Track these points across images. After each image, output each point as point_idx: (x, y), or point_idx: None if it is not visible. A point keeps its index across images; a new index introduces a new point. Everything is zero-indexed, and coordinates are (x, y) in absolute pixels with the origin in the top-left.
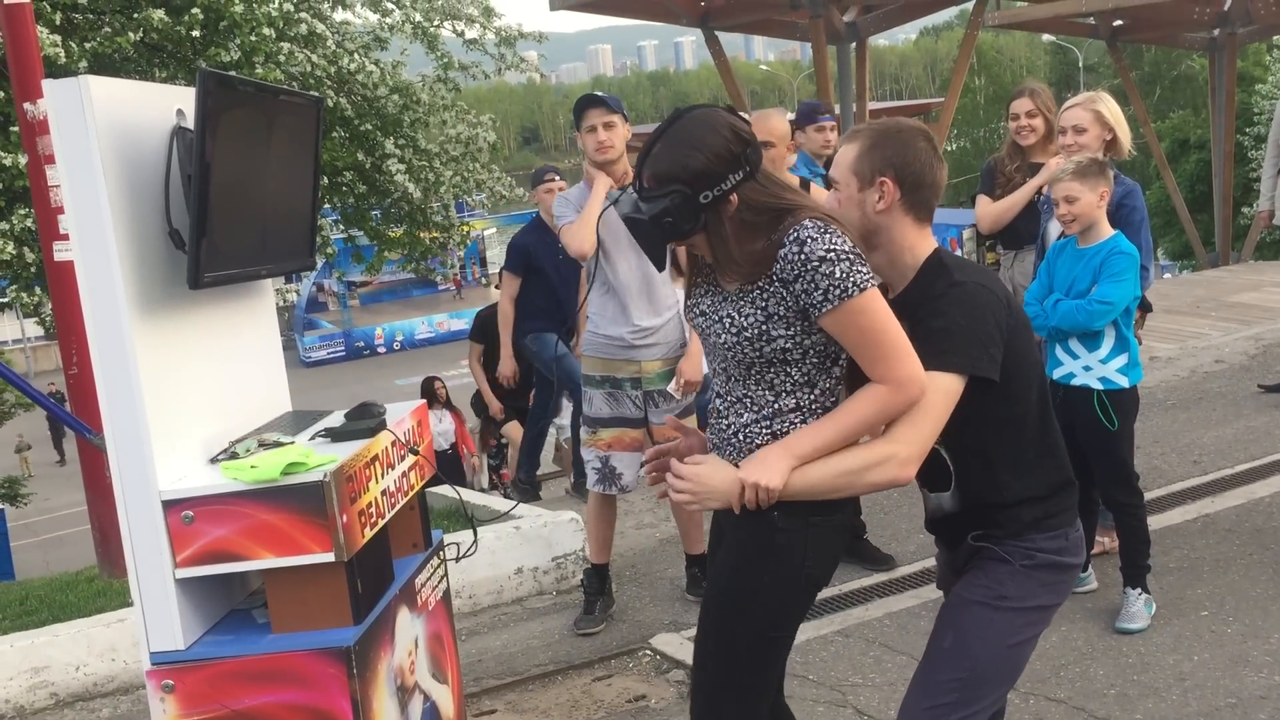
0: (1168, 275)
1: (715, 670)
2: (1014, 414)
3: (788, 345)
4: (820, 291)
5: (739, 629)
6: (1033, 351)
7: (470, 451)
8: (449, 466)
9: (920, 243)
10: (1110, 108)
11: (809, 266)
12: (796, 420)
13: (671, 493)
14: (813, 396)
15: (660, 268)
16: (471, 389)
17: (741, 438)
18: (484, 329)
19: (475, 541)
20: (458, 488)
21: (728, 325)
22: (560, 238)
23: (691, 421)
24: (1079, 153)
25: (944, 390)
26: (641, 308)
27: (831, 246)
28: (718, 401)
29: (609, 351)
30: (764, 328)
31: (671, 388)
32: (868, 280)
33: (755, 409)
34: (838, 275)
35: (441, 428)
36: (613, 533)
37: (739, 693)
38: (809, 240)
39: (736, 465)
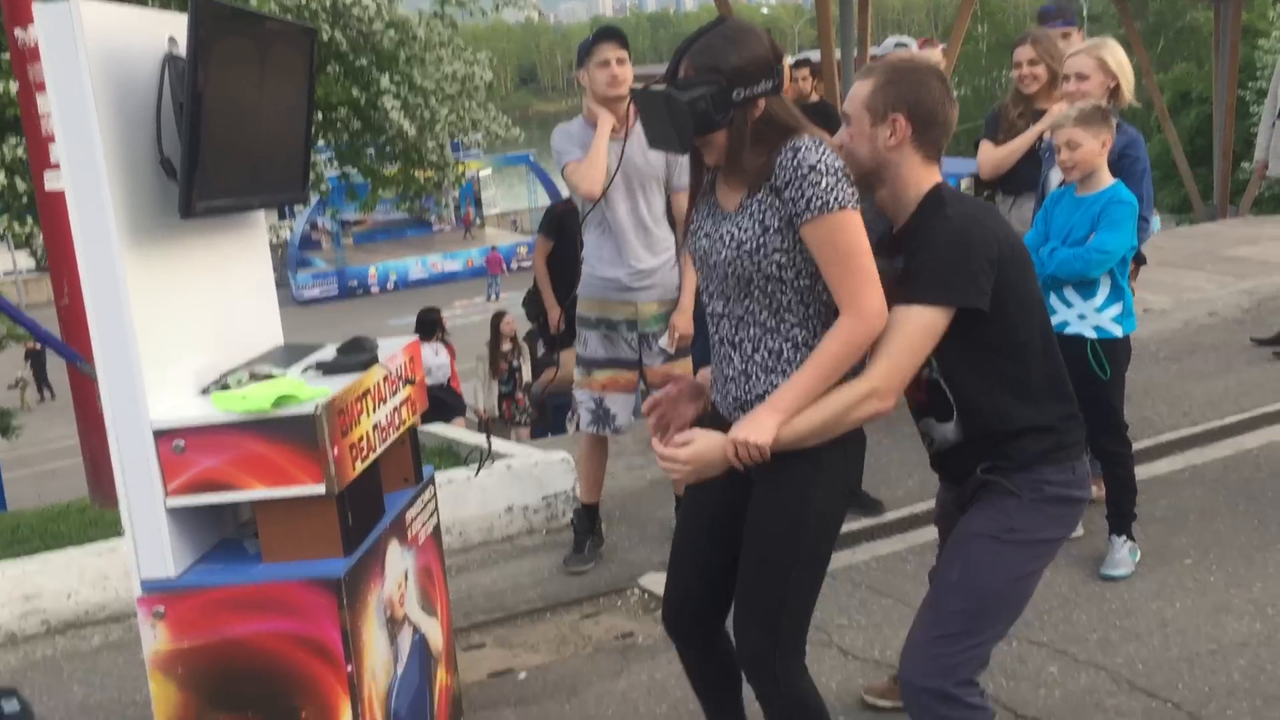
0: (1158, 229)
1: (768, 596)
2: (1012, 344)
3: (782, 260)
4: (804, 200)
5: (798, 549)
6: (1031, 284)
7: (456, 390)
8: (441, 396)
9: (925, 179)
10: (1115, 55)
11: (799, 174)
12: (799, 336)
13: (671, 475)
14: (808, 318)
15: (682, 152)
16: (469, 329)
17: (750, 348)
18: (559, 224)
19: (489, 452)
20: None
21: (728, 241)
22: (564, 177)
23: (686, 365)
24: (1082, 99)
25: (923, 324)
26: (638, 249)
27: (822, 159)
28: (723, 325)
29: (605, 293)
30: (761, 240)
31: (664, 342)
32: (849, 200)
33: (758, 324)
34: (823, 186)
35: (437, 360)
36: (604, 473)
37: (797, 614)
38: (803, 149)
39: (745, 374)
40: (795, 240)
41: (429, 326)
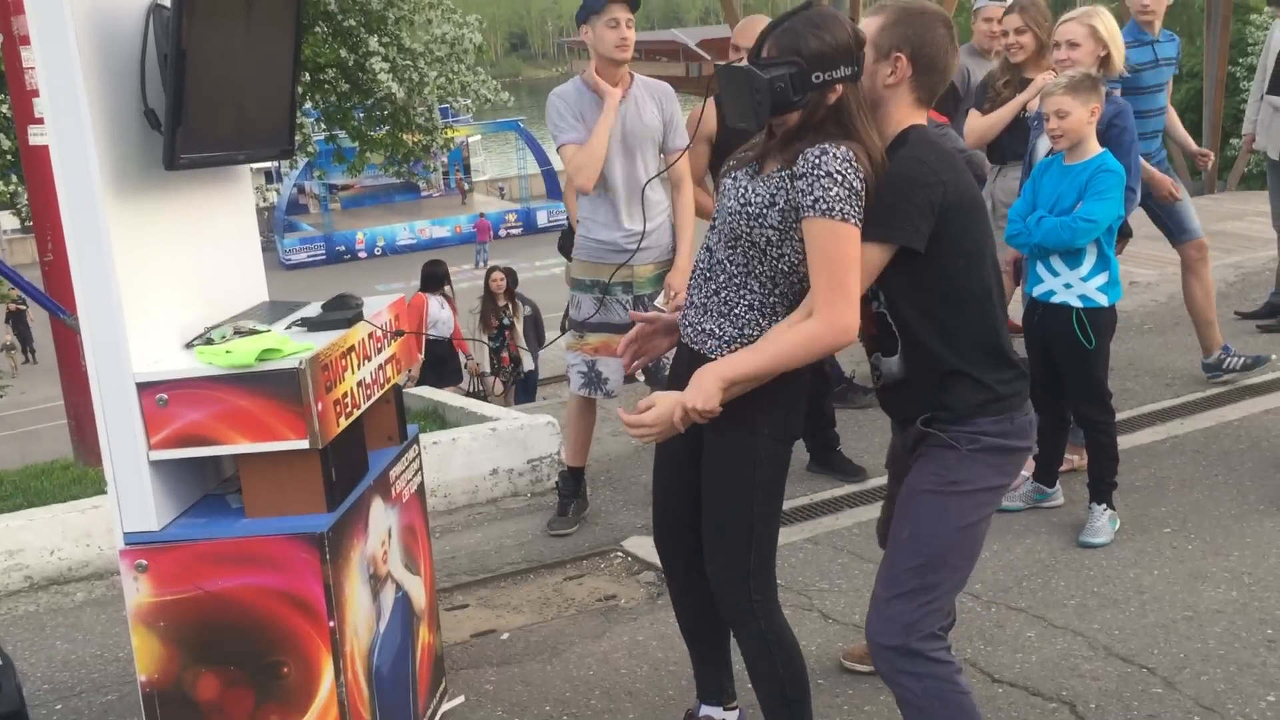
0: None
1: (734, 531)
2: (950, 289)
3: (772, 237)
4: (811, 197)
5: (754, 485)
6: (977, 233)
7: (464, 352)
8: (444, 352)
9: (909, 119)
10: (1106, 23)
11: (815, 173)
12: (761, 322)
13: (635, 437)
14: (771, 293)
15: (757, 130)
16: (458, 296)
17: (713, 288)
18: None
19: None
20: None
21: (740, 196)
22: (560, 155)
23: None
24: (1072, 68)
25: (858, 257)
26: (634, 211)
27: (842, 171)
28: (705, 257)
29: (600, 255)
30: (763, 211)
31: (660, 301)
32: (852, 216)
33: (728, 274)
34: (832, 194)
35: (443, 314)
36: (590, 437)
37: (763, 543)
38: (829, 155)
39: (703, 307)
40: (792, 227)
41: (435, 280)
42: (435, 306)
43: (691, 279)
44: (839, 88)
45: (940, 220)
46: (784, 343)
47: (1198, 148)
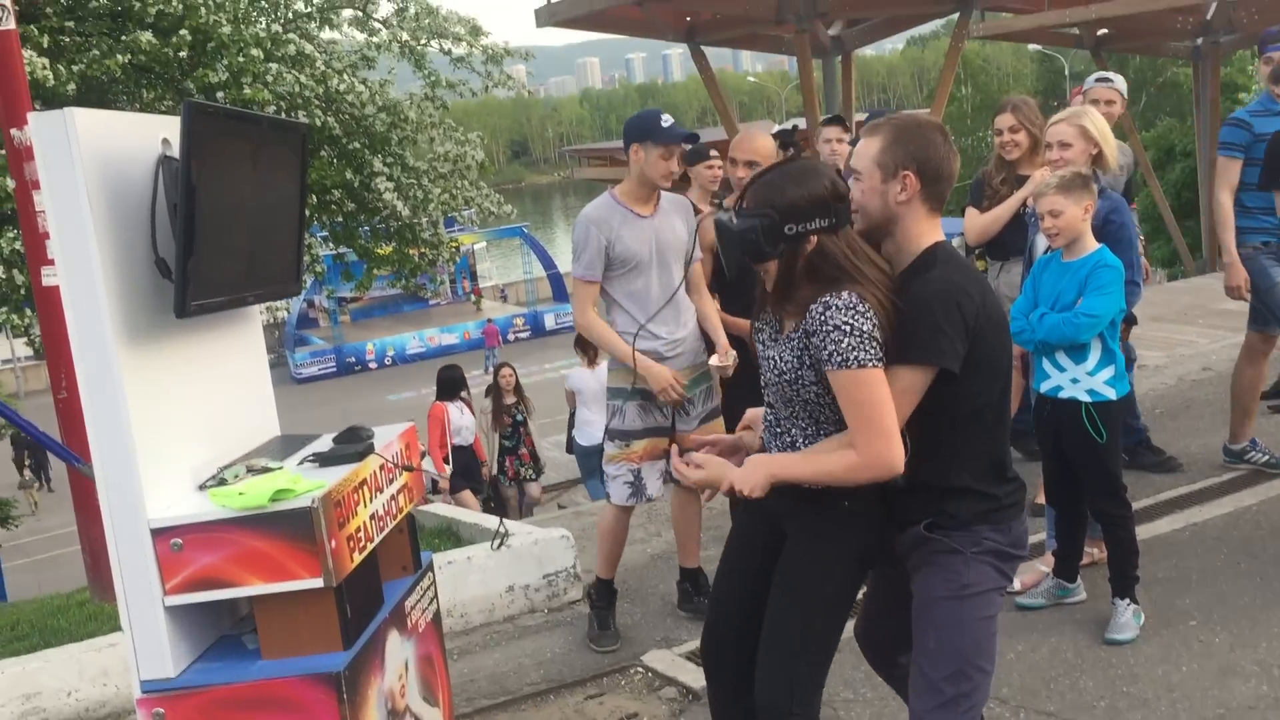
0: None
1: (789, 641)
2: (974, 409)
3: (819, 390)
4: (826, 352)
5: (821, 601)
6: (1000, 353)
7: (480, 457)
8: (469, 461)
9: (928, 232)
10: (1096, 123)
11: (825, 328)
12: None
13: (685, 475)
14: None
15: (732, 277)
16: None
17: (788, 441)
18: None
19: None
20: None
21: (774, 365)
22: (573, 282)
23: (718, 425)
24: (1064, 168)
25: (906, 384)
26: (670, 319)
27: (850, 321)
28: (769, 413)
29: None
30: (799, 373)
31: (715, 361)
32: (870, 359)
33: (799, 428)
34: (845, 345)
35: (463, 420)
36: (623, 548)
37: (815, 666)
38: (835, 307)
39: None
40: (827, 380)
41: (452, 385)
42: (456, 413)
43: (765, 430)
44: (814, 239)
45: (973, 342)
46: (831, 461)
47: None
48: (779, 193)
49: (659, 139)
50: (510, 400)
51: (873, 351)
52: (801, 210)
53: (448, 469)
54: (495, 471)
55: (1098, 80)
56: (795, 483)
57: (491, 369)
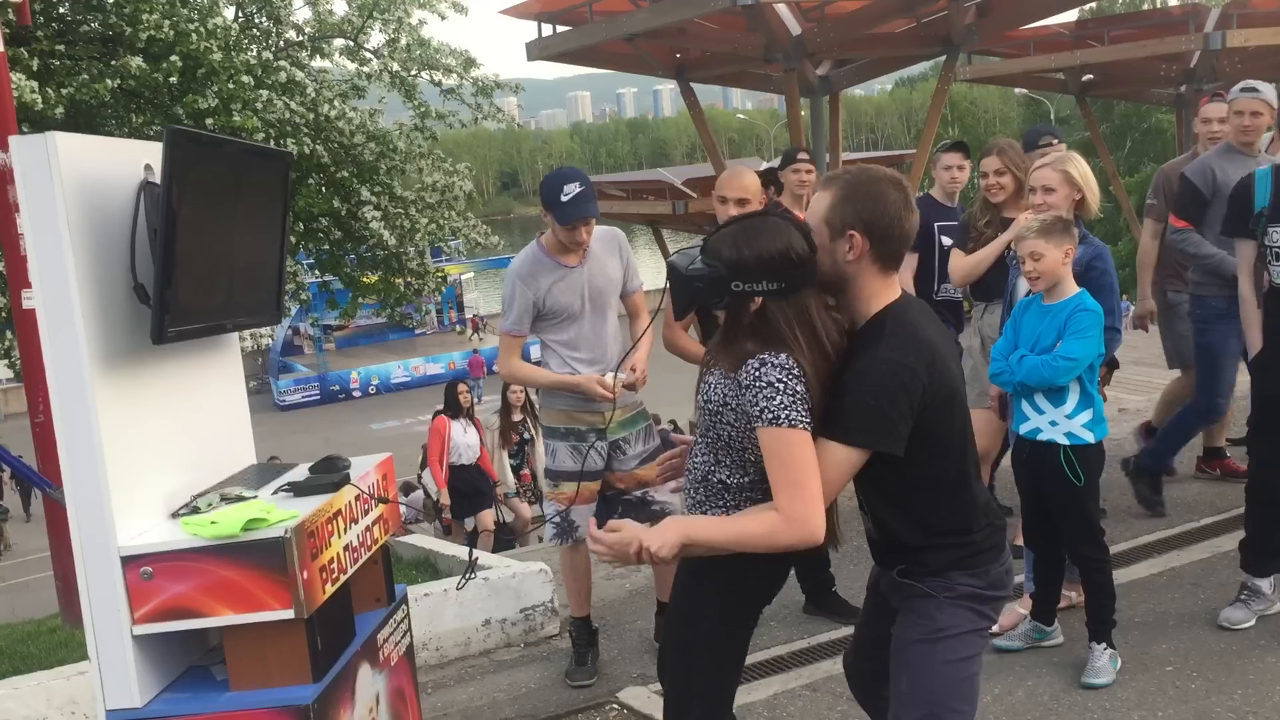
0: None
1: (678, 678)
2: (926, 476)
3: (731, 434)
4: (757, 408)
5: (690, 640)
6: (952, 424)
7: (491, 476)
8: (474, 478)
9: (881, 293)
10: (1079, 168)
11: (758, 385)
12: (728, 497)
13: (594, 548)
14: (743, 475)
15: (679, 319)
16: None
17: (694, 463)
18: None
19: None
20: (427, 538)
21: (705, 391)
22: (500, 333)
23: (653, 470)
24: (1047, 212)
25: (838, 460)
26: (602, 360)
27: (783, 380)
28: (695, 430)
29: (572, 404)
30: (720, 410)
31: (621, 377)
32: (799, 421)
33: (703, 454)
34: (775, 403)
35: (467, 439)
36: (589, 583)
37: (703, 697)
38: (769, 366)
39: (690, 478)
40: (746, 427)
41: (452, 408)
42: (458, 430)
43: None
44: (759, 300)
45: (919, 418)
46: (748, 526)
47: None
48: (731, 247)
49: (557, 216)
50: (518, 418)
51: (803, 413)
52: (749, 270)
53: (443, 490)
54: (513, 490)
55: (1242, 90)
56: (709, 546)
57: (479, 404)
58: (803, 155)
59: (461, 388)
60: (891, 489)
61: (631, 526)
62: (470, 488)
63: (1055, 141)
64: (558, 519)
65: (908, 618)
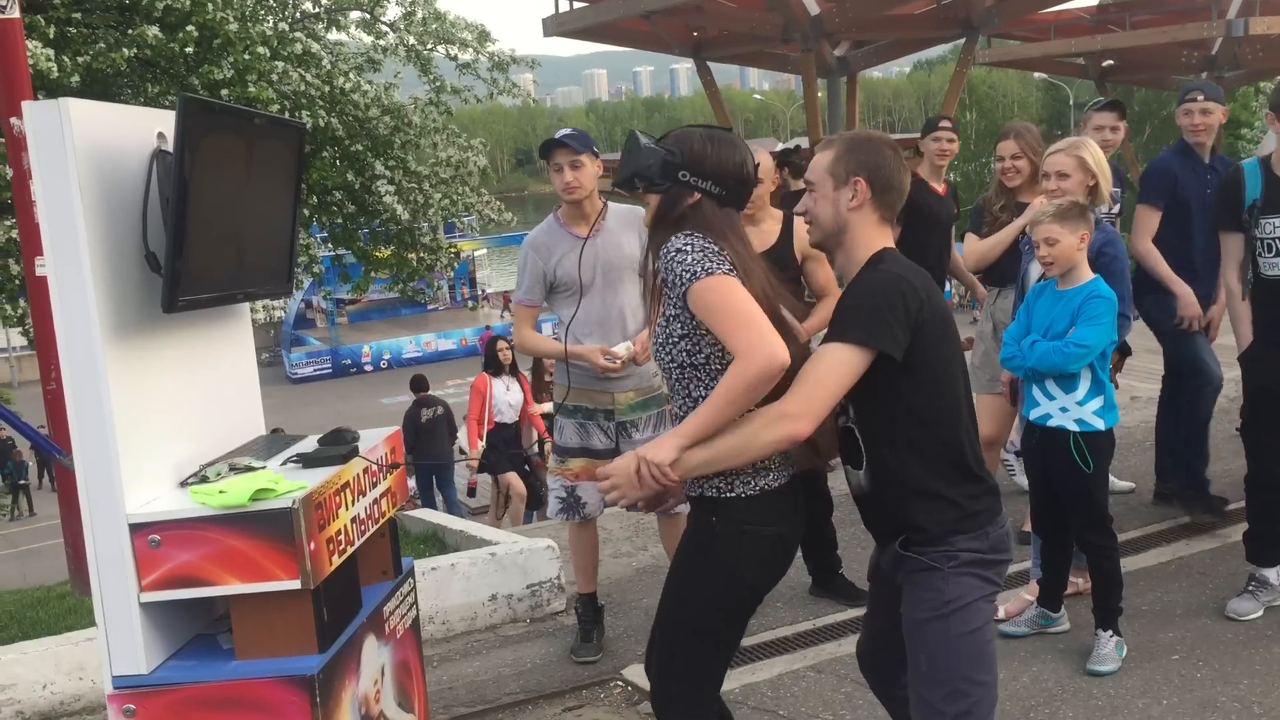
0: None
1: (661, 653)
2: (921, 404)
3: (689, 347)
4: (675, 277)
5: (680, 618)
6: (950, 355)
7: (539, 430)
8: (511, 439)
9: (877, 239)
10: (1094, 154)
11: (668, 259)
12: None
13: (609, 500)
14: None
15: (617, 185)
16: (461, 406)
17: (680, 417)
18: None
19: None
20: (439, 512)
21: (658, 334)
22: (512, 306)
23: None
24: (1062, 198)
25: (839, 360)
26: (616, 340)
27: (688, 243)
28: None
29: (584, 381)
30: (669, 329)
31: (622, 349)
32: (715, 269)
33: (681, 400)
34: (687, 263)
35: (509, 397)
36: (596, 559)
37: (681, 678)
38: (674, 240)
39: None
40: (692, 321)
41: (493, 364)
42: (500, 388)
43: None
44: (697, 196)
45: (916, 335)
46: (720, 390)
47: None
48: (696, 143)
49: (542, 153)
50: (549, 379)
51: (715, 262)
52: (702, 167)
53: (481, 444)
54: (535, 449)
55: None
56: (702, 435)
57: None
58: (945, 123)
59: (501, 344)
60: (894, 418)
61: (626, 455)
62: (507, 446)
63: (1200, 98)
64: (563, 493)
65: (915, 593)
